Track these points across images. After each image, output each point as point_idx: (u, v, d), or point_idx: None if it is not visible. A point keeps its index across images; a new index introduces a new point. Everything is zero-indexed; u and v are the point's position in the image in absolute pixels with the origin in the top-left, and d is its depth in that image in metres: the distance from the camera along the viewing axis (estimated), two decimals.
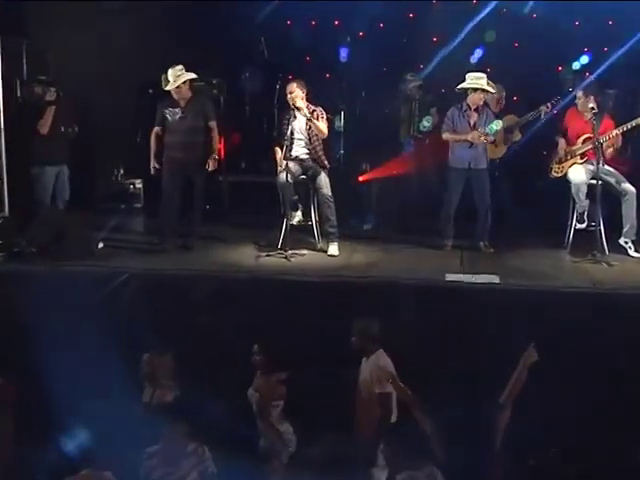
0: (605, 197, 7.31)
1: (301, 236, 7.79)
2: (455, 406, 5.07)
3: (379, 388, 5.23)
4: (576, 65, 9.60)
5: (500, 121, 7.87)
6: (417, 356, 5.80)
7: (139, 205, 9.88)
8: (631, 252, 7.35)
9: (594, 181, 7.28)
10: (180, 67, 7.55)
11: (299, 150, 7.67)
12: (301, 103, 7.45)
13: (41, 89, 8.09)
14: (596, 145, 7.22)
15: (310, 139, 7.63)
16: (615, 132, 7.28)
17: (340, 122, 9.79)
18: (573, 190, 7.47)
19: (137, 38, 9.51)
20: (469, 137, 7.60)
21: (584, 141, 7.50)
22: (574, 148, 7.58)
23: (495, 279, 6.62)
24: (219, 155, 9.54)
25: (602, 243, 7.22)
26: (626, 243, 7.39)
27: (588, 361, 5.79)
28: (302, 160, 7.68)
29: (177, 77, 7.50)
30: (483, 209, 7.70)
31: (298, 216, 7.84)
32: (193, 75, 7.64)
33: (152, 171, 7.71)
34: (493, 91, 7.76)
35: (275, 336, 5.60)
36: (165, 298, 6.26)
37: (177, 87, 7.52)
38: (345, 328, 5.47)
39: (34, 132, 7.73)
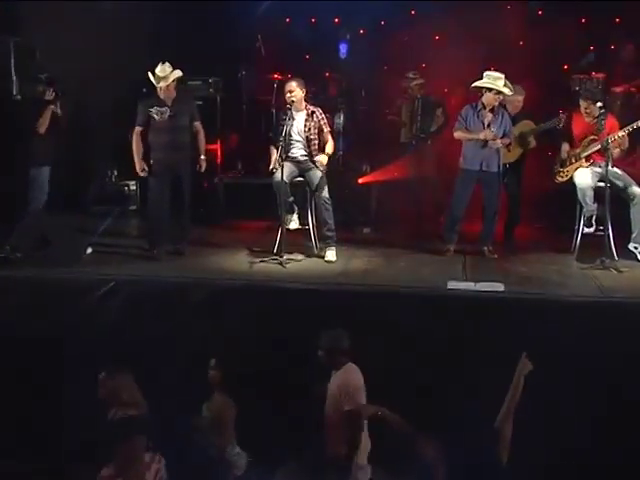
0: (613, 200, 7.09)
1: (298, 240, 7.56)
2: (458, 422, 4.82)
3: (348, 405, 4.92)
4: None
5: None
6: (417, 369, 5.64)
7: (134, 207, 9.67)
8: None
9: (602, 184, 7.10)
10: (167, 64, 7.33)
11: (296, 151, 7.46)
12: (300, 103, 7.30)
13: (41, 88, 7.90)
14: (604, 146, 7.01)
15: (308, 140, 7.42)
16: (621, 133, 7.08)
17: (340, 121, 9.57)
18: (579, 195, 7.29)
19: (131, 36, 9.26)
20: (482, 135, 7.35)
21: (589, 143, 7.31)
22: (579, 151, 7.39)
23: (499, 287, 6.38)
24: (216, 156, 9.44)
25: (611, 248, 7.03)
26: (636, 249, 7.19)
27: (598, 374, 5.58)
28: (299, 162, 7.47)
29: (168, 74, 7.27)
30: (490, 213, 7.53)
31: (294, 221, 7.57)
32: (180, 72, 7.41)
33: (141, 173, 7.45)
34: (509, 93, 7.42)
35: (239, 350, 5.41)
36: (146, 307, 6.04)
37: (167, 86, 7.29)
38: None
39: (33, 132, 7.53)
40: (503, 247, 7.69)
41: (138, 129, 7.41)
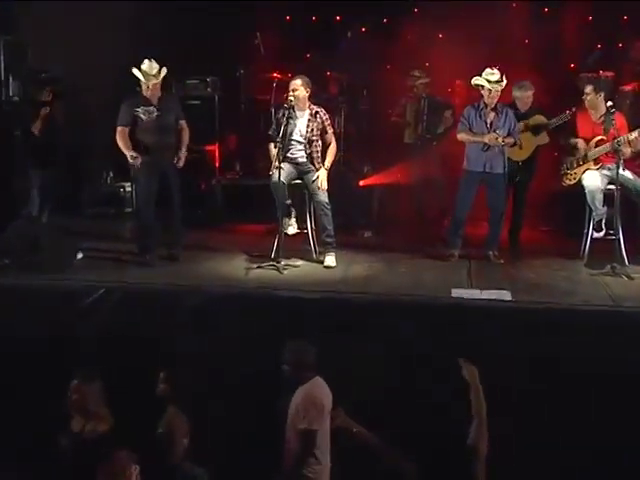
0: (623, 203, 6.86)
1: (297, 243, 7.32)
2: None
3: (303, 423, 4.56)
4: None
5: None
6: (420, 381, 5.43)
7: (129, 209, 9.42)
8: None
9: (612, 186, 6.88)
10: (154, 61, 7.08)
11: (296, 153, 7.22)
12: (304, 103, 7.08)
13: (37, 89, 7.78)
14: (615, 147, 6.77)
15: (310, 142, 7.18)
16: (635, 134, 6.80)
17: (341, 121, 9.37)
18: (588, 198, 7.04)
19: (126, 37, 9.11)
20: (485, 139, 7.12)
21: (597, 144, 7.06)
22: (586, 152, 7.14)
23: (506, 295, 6.15)
24: (213, 157, 9.25)
25: (621, 254, 6.81)
26: None
27: (610, 387, 5.36)
28: (298, 163, 7.23)
29: (157, 72, 7.03)
30: (496, 216, 7.30)
31: (292, 225, 7.35)
32: (166, 69, 7.15)
33: (132, 161, 7.04)
34: (499, 88, 7.12)
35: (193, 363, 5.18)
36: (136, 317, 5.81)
37: (153, 84, 7.03)
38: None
39: (28, 134, 7.49)
40: (509, 252, 7.46)
41: (122, 128, 7.08)
